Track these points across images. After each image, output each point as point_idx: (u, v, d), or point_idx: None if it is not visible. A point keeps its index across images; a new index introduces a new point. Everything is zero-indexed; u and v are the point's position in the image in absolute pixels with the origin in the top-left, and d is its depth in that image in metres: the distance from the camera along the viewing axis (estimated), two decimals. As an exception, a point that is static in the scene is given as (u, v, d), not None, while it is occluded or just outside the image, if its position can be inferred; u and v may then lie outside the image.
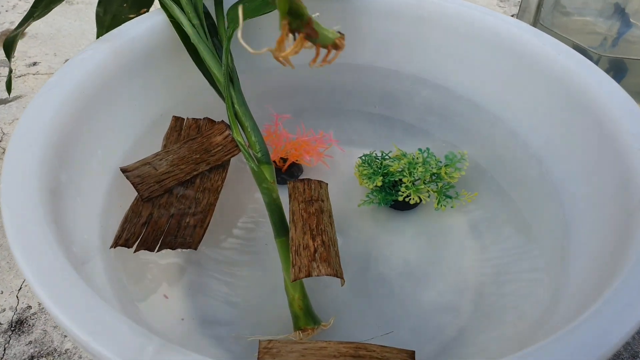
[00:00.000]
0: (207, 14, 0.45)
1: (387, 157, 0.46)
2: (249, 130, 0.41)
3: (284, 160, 0.48)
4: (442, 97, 0.51)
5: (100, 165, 0.40)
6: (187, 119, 0.46)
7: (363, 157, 0.46)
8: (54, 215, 0.31)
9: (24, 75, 0.71)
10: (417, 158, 0.45)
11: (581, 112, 0.39)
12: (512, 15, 0.81)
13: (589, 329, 0.26)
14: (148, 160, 0.41)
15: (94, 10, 0.49)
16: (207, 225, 0.40)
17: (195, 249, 0.38)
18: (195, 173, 0.42)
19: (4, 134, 0.60)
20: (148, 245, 0.38)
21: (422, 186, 0.44)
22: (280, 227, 0.39)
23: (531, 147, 0.44)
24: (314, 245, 0.35)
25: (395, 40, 0.51)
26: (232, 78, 0.41)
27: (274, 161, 0.47)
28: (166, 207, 0.40)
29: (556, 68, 0.42)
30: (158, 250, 0.37)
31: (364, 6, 0.50)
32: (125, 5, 0.54)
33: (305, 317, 0.36)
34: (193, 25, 0.41)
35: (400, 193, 0.44)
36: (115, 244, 0.37)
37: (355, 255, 0.43)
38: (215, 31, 0.45)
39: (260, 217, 0.45)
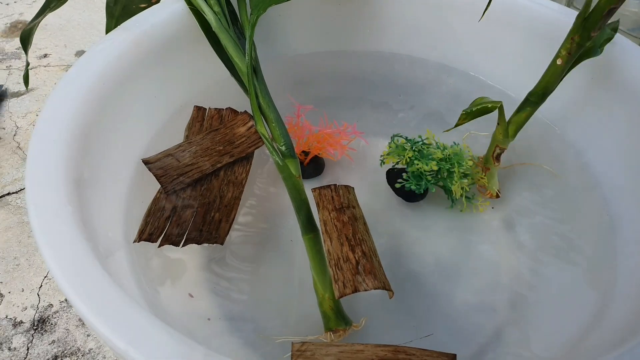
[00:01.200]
0: (227, 0, 0.43)
1: (421, 141, 0.43)
2: (273, 123, 0.39)
3: (306, 153, 0.46)
4: (471, 86, 0.49)
5: (121, 157, 0.38)
6: (209, 109, 0.44)
7: (396, 139, 0.43)
8: (80, 211, 0.29)
9: (36, 67, 0.69)
10: (456, 150, 0.42)
11: (626, 100, 0.37)
12: None
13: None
14: (170, 151, 0.40)
15: (103, 0, 0.47)
16: (233, 220, 0.38)
17: (222, 243, 0.37)
18: (219, 165, 0.40)
19: (17, 127, 0.59)
20: (173, 240, 0.36)
21: (463, 180, 0.41)
22: (308, 224, 0.37)
23: (569, 138, 0.43)
24: (354, 257, 0.33)
25: (420, 27, 0.49)
26: (255, 69, 0.40)
27: (296, 155, 0.45)
28: (190, 201, 0.38)
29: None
30: (183, 245, 0.36)
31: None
32: (137, -6, 0.52)
33: (336, 317, 0.35)
34: (214, 13, 0.39)
35: (453, 182, 0.41)
36: (139, 238, 0.36)
37: (383, 252, 0.41)
38: (236, 18, 0.44)
39: (283, 211, 0.43)
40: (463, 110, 0.38)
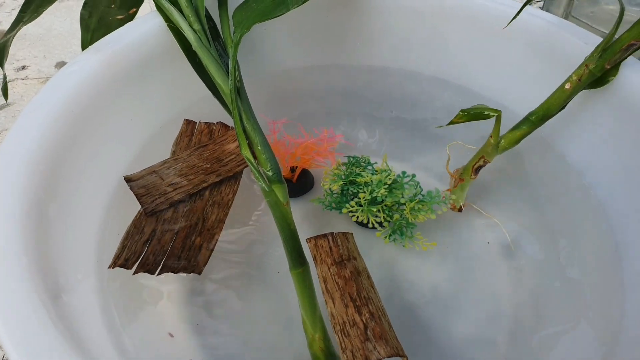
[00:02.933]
0: (208, 16, 0.40)
1: (370, 165, 0.42)
2: (258, 146, 0.37)
3: (292, 169, 0.44)
4: (466, 100, 0.47)
5: (96, 185, 0.36)
6: (200, 123, 0.42)
7: (351, 159, 0.42)
8: (40, 255, 0.27)
9: (13, 80, 0.66)
10: (394, 178, 0.40)
11: (627, 119, 0.35)
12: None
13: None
14: (155, 168, 0.38)
15: None
16: (214, 246, 0.36)
17: (200, 273, 0.34)
18: (204, 185, 0.38)
19: (-9, 146, 0.56)
20: (149, 267, 0.34)
21: (377, 210, 0.39)
22: (296, 257, 0.35)
23: (569, 157, 0.40)
24: (362, 320, 0.30)
25: (412, 39, 0.47)
26: (239, 89, 0.37)
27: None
28: (171, 223, 0.36)
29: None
30: (159, 274, 0.34)
31: (378, 3, 0.45)
32: (113, 6, 0.50)
33: (327, 359, 0.33)
34: (194, 31, 0.37)
35: (348, 206, 0.39)
36: (113, 264, 0.33)
37: (377, 281, 0.39)
38: (217, 34, 0.41)
39: (271, 239, 0.41)
40: (461, 110, 0.37)
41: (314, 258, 0.33)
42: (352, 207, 0.39)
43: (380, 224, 0.40)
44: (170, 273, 0.34)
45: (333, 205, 0.40)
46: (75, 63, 0.35)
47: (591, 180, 0.38)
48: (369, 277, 0.33)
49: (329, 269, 0.32)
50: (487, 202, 0.43)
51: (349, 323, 0.30)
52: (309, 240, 0.34)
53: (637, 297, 0.31)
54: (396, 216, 0.39)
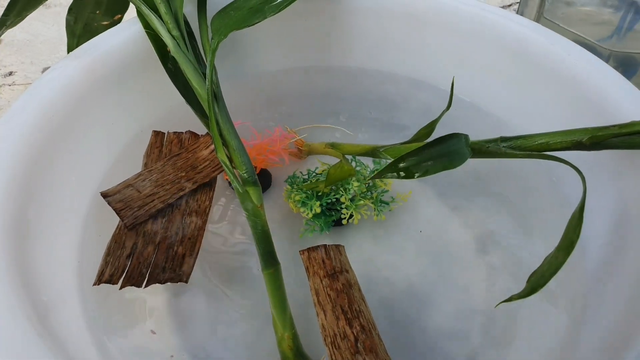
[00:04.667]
0: (186, 22, 0.41)
1: (314, 174, 0.43)
2: (234, 150, 0.38)
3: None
4: (441, 100, 0.48)
5: (74, 193, 0.37)
6: (168, 133, 0.43)
7: (289, 180, 0.43)
8: (19, 260, 0.28)
9: (0, 86, 0.67)
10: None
11: (596, 117, 0.36)
12: (513, 5, 0.78)
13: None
14: (130, 181, 0.38)
15: None
16: (197, 253, 0.37)
17: (186, 281, 0.35)
18: (181, 193, 0.39)
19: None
20: (134, 281, 0.34)
21: (361, 201, 0.41)
22: (268, 258, 0.36)
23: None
24: (353, 332, 0.30)
25: (388, 41, 0.48)
26: (215, 94, 0.38)
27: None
28: (151, 235, 0.37)
29: (565, 69, 0.39)
30: (146, 286, 0.34)
31: (354, 5, 0.46)
32: (98, 12, 0.51)
33: (295, 358, 0.33)
34: (173, 37, 0.38)
35: (342, 215, 0.40)
36: (98, 281, 0.34)
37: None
38: (194, 40, 0.42)
39: (248, 240, 0.42)
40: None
41: (307, 270, 0.34)
42: (344, 215, 0.40)
43: (351, 215, 0.41)
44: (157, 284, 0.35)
45: (323, 226, 0.41)
46: (55, 69, 0.36)
47: (559, 176, 0.40)
48: (359, 290, 0.33)
49: (321, 281, 0.33)
50: (460, 198, 0.44)
51: (340, 335, 0.30)
52: (302, 252, 0.35)
53: (604, 290, 0.32)
54: (375, 193, 0.41)
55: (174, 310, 0.38)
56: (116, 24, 0.49)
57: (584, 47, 0.40)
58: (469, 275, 0.40)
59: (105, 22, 0.51)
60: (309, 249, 0.34)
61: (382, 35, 0.47)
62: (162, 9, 0.39)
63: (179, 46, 0.38)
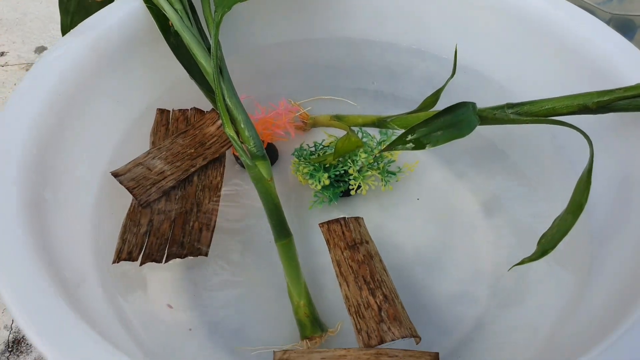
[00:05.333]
0: (186, -5, 0.41)
1: (321, 146, 0.43)
2: (241, 124, 0.38)
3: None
4: (443, 69, 0.48)
5: (87, 171, 0.37)
6: (173, 110, 0.42)
7: (296, 153, 0.43)
8: (41, 238, 0.28)
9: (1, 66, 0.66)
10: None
11: (601, 81, 0.37)
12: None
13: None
14: (139, 160, 0.38)
15: None
16: (214, 227, 0.37)
17: (207, 255, 0.36)
18: (192, 170, 0.39)
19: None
20: (154, 257, 0.35)
21: (368, 172, 0.41)
22: (281, 230, 0.36)
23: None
24: (376, 302, 0.31)
25: (389, 11, 0.48)
26: (221, 68, 0.38)
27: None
28: (166, 212, 0.37)
29: (568, 34, 0.40)
30: (166, 261, 0.35)
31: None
32: (92, -13, 0.50)
33: (312, 325, 0.34)
34: (176, 11, 0.37)
35: (350, 186, 0.41)
36: (117, 259, 0.34)
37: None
38: (196, 15, 0.42)
39: (260, 214, 0.42)
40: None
41: (327, 242, 0.34)
42: (352, 185, 0.41)
43: (359, 186, 0.41)
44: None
45: (331, 197, 0.42)
46: (59, 47, 0.35)
47: (563, 141, 0.40)
48: (380, 260, 0.34)
49: (342, 252, 0.34)
50: (465, 165, 0.45)
51: (364, 305, 0.31)
52: (321, 225, 0.35)
53: (608, 251, 0.33)
54: (381, 164, 0.42)
55: (188, 284, 0.38)
56: (111, 0, 0.48)
57: (585, 11, 0.40)
58: (475, 240, 0.41)
59: (99, -1, 0.50)
60: (328, 222, 0.35)
61: (383, 5, 0.47)
62: (162, -18, 0.39)
63: (182, 20, 0.38)
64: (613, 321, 0.28)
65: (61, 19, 0.48)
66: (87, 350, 0.22)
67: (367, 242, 0.34)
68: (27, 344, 0.40)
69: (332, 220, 0.35)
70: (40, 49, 0.69)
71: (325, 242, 0.38)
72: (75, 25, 0.44)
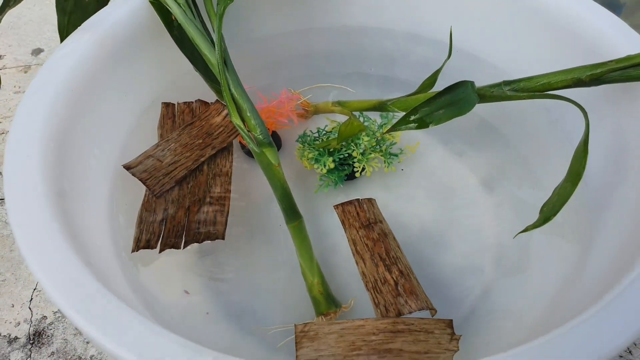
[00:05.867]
0: (187, -10, 0.42)
1: (324, 131, 0.45)
2: (247, 113, 0.39)
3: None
4: (439, 52, 0.49)
5: (99, 163, 0.38)
6: (178, 103, 0.43)
7: (300, 139, 0.45)
8: (66, 225, 0.29)
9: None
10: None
11: (592, 56, 0.38)
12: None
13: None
14: (150, 152, 0.39)
15: None
16: (228, 212, 0.38)
17: (223, 238, 0.37)
18: (202, 159, 0.40)
19: (-19, 136, 0.57)
20: (172, 243, 0.36)
21: (371, 154, 0.43)
22: (291, 213, 0.37)
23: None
24: (392, 277, 0.33)
25: (385, -2, 0.49)
26: (225, 60, 0.39)
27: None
28: (180, 200, 0.38)
29: (558, 11, 0.41)
30: (184, 247, 0.36)
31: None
32: (89, -13, 0.50)
33: (327, 301, 0.36)
34: (179, 5, 0.38)
35: (355, 169, 0.43)
36: (136, 247, 0.35)
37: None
38: (197, 8, 0.43)
39: (267, 198, 0.44)
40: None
41: (342, 223, 0.36)
42: (357, 168, 0.42)
43: (364, 169, 0.43)
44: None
45: (337, 180, 0.43)
46: (67, 45, 0.36)
47: (557, 116, 0.42)
48: (394, 238, 0.35)
49: (357, 232, 0.35)
50: (464, 144, 0.46)
51: (380, 280, 0.33)
52: (336, 207, 0.37)
53: (606, 218, 0.35)
54: (384, 146, 0.43)
55: (203, 271, 0.39)
56: (106, 1, 0.49)
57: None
58: (477, 215, 0.42)
59: (95, -2, 0.51)
60: (342, 204, 0.36)
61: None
62: (164, -23, 0.40)
63: (186, 14, 0.39)
64: (613, 282, 0.30)
65: (58, 19, 0.49)
66: (126, 324, 0.23)
67: (380, 222, 0.36)
68: (47, 336, 0.41)
69: (346, 202, 0.36)
70: (37, 51, 0.70)
71: (332, 224, 0.39)
72: (73, 24, 0.45)
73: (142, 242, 0.35)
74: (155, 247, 0.35)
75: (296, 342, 0.31)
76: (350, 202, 0.36)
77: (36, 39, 0.71)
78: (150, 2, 0.40)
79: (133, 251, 0.35)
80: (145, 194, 0.38)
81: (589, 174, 0.38)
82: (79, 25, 0.44)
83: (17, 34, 0.72)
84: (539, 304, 0.36)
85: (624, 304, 0.26)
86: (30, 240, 0.26)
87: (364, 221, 0.35)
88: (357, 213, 0.36)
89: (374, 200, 0.37)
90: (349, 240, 0.35)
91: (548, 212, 0.33)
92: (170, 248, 0.35)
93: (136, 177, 0.37)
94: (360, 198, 0.37)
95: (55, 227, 0.26)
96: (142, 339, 0.23)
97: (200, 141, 0.40)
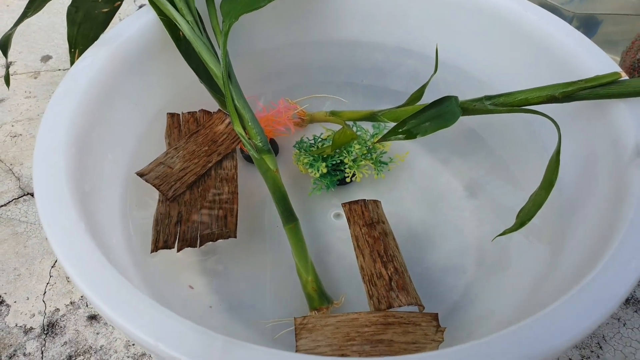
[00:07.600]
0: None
1: (319, 139, 0.48)
2: (249, 122, 0.42)
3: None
4: (427, 65, 0.52)
5: (112, 169, 0.41)
6: (183, 113, 0.47)
7: (297, 145, 0.48)
8: (90, 224, 0.32)
9: (2, 77, 0.69)
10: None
11: (566, 74, 0.41)
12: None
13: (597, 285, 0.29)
14: (160, 160, 0.42)
15: (61, 2, 0.48)
16: (237, 213, 0.41)
17: (235, 236, 0.40)
18: (210, 165, 0.43)
19: (-6, 140, 0.60)
20: (189, 242, 0.39)
21: (362, 162, 0.46)
22: (288, 215, 0.41)
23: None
24: (387, 273, 0.36)
25: (377, 14, 0.52)
26: (229, 73, 0.42)
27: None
28: (192, 203, 0.41)
29: (536, 33, 0.44)
30: (201, 245, 0.39)
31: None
32: (99, 0, 0.53)
33: (319, 298, 0.39)
34: (188, 22, 0.41)
35: (346, 174, 0.46)
36: (155, 248, 0.38)
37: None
38: (203, 25, 0.46)
39: (266, 200, 0.47)
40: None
41: (348, 219, 0.39)
42: (348, 174, 0.45)
43: (354, 174, 0.46)
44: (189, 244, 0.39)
45: (329, 184, 0.46)
46: (86, 58, 0.39)
47: (537, 127, 0.45)
48: (394, 239, 0.39)
49: (360, 229, 0.38)
50: (449, 153, 0.49)
51: (376, 275, 0.36)
52: (344, 205, 0.40)
53: (576, 219, 0.38)
54: (374, 155, 0.46)
55: (205, 268, 0.43)
56: (115, 11, 0.51)
57: (550, 10, 0.45)
58: (461, 218, 0.46)
59: (105, 10, 0.54)
60: (350, 202, 0.40)
61: (371, 10, 0.52)
62: (175, -4, 0.43)
63: (194, 30, 0.42)
64: (582, 276, 0.33)
65: (68, 29, 0.52)
66: (145, 311, 0.26)
67: (383, 222, 0.39)
68: (60, 327, 0.44)
69: (353, 201, 0.40)
70: (46, 58, 0.73)
71: (326, 225, 0.43)
72: (82, 35, 0.48)
73: (160, 243, 0.38)
74: (173, 247, 0.38)
75: (296, 334, 0.33)
76: (357, 202, 0.40)
77: (45, 47, 0.74)
78: (160, 19, 0.43)
79: (152, 252, 0.38)
80: (159, 198, 0.41)
81: (563, 183, 0.41)
82: (88, 35, 0.47)
83: (27, 41, 0.75)
84: (515, 300, 0.39)
85: (577, 303, 0.29)
86: (60, 238, 0.29)
87: (368, 220, 0.39)
88: (362, 212, 0.39)
89: (380, 202, 0.41)
90: (352, 236, 0.38)
91: (524, 217, 0.36)
92: (188, 247, 0.38)
93: (149, 183, 0.40)
94: (367, 199, 0.40)
95: (82, 227, 0.30)
96: (158, 322, 0.26)
97: (207, 148, 0.43)
